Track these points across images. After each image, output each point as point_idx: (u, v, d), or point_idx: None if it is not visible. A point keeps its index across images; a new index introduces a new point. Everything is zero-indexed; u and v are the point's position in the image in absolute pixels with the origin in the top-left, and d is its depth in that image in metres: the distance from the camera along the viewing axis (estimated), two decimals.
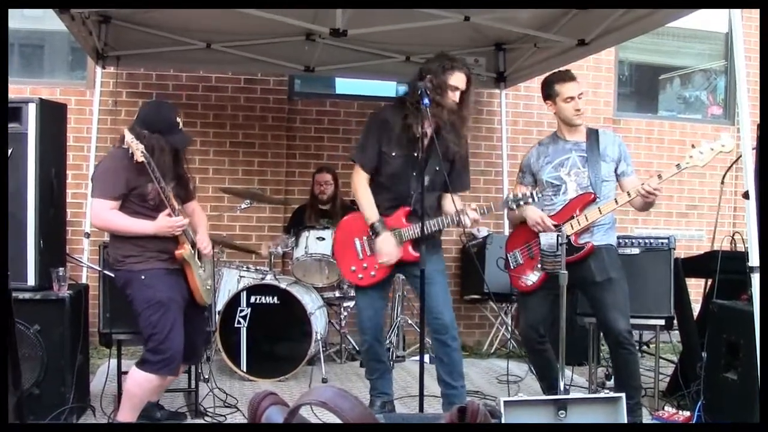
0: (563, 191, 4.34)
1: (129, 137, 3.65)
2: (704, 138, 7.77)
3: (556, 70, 4.58)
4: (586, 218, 4.19)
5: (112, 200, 3.78)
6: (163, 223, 3.81)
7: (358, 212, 4.32)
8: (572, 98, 4.30)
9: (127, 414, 3.92)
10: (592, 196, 4.23)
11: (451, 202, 4.21)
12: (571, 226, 4.21)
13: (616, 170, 4.34)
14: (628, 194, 4.15)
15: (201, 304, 4.10)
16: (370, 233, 4.18)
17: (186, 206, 4.21)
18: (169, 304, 3.83)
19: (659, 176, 4.08)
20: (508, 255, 4.52)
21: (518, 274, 4.44)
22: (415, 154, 4.10)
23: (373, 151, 4.21)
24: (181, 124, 3.96)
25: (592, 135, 4.37)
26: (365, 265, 4.24)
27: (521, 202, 4.15)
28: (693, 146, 4.10)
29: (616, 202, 4.19)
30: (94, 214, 3.84)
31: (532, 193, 4.13)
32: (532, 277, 4.35)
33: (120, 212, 3.81)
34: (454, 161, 4.24)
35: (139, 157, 3.63)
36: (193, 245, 4.02)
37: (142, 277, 3.83)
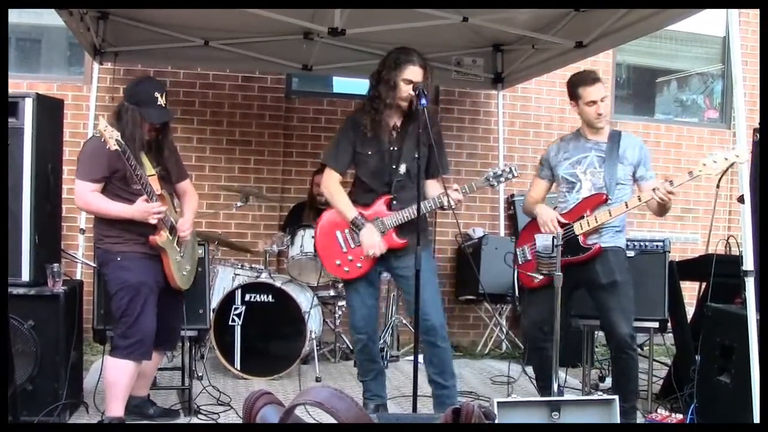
0: (577, 189, 4.31)
1: (102, 125, 3.65)
2: (701, 141, 7.91)
3: (581, 70, 4.54)
4: (596, 219, 4.18)
5: (93, 183, 3.89)
6: (140, 208, 3.86)
7: (329, 209, 4.35)
8: (594, 102, 4.24)
9: (113, 406, 3.96)
10: (604, 197, 4.21)
11: (435, 188, 4.24)
12: (581, 226, 4.21)
13: (634, 174, 4.31)
14: (639, 198, 4.12)
15: (176, 289, 4.14)
16: (353, 229, 4.19)
17: (178, 186, 4.28)
18: (140, 288, 3.90)
19: (670, 182, 4.02)
20: (517, 250, 4.51)
21: (526, 270, 4.42)
22: (391, 148, 4.16)
23: (346, 154, 4.25)
24: (161, 101, 3.94)
25: (615, 136, 4.34)
26: (350, 257, 4.21)
27: (501, 179, 4.19)
28: (708, 154, 4.03)
29: (626, 206, 4.16)
30: (77, 195, 3.95)
31: (511, 168, 4.17)
32: (539, 274, 4.31)
33: (100, 195, 3.91)
34: (431, 146, 4.19)
35: (113, 145, 3.63)
36: (173, 230, 4.04)
37: (118, 258, 3.94)
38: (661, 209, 4.20)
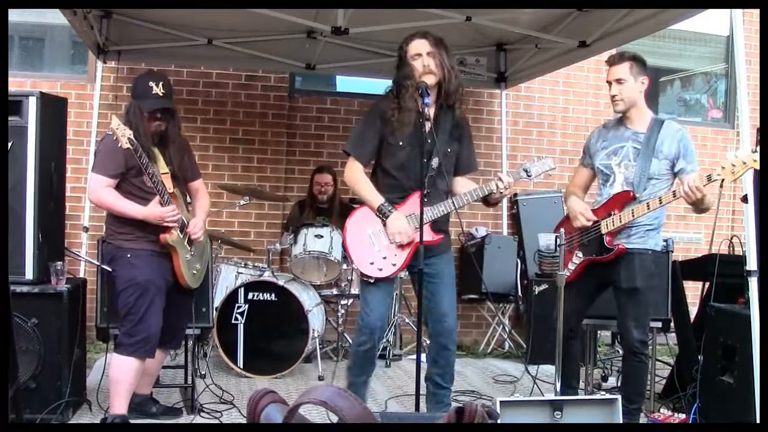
0: (611, 183, 4.17)
1: (114, 123, 3.65)
2: (704, 141, 7.90)
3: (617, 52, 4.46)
4: (620, 219, 4.03)
5: (108, 178, 3.90)
6: (155, 212, 3.87)
7: (361, 206, 4.09)
8: (609, 83, 4.14)
9: (117, 403, 3.97)
10: (631, 194, 4.05)
11: (463, 186, 4.06)
12: (606, 225, 4.07)
13: (673, 168, 4.09)
14: (660, 200, 3.92)
15: (185, 288, 4.15)
16: (379, 216, 3.96)
17: (190, 185, 4.30)
18: (148, 287, 3.91)
19: (708, 177, 3.79)
20: None
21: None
22: (422, 140, 3.92)
23: (371, 144, 4.02)
24: (156, 90, 3.92)
25: (655, 126, 4.12)
26: (384, 255, 3.96)
27: (534, 172, 4.03)
28: (728, 156, 3.77)
29: (647, 207, 3.95)
30: (91, 189, 3.98)
31: (547, 162, 4.03)
32: (568, 270, 4.19)
33: (115, 191, 3.92)
34: (461, 140, 4.09)
35: (125, 144, 3.64)
36: (183, 229, 4.05)
37: (128, 255, 3.95)
38: (695, 208, 3.98)
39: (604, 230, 4.09)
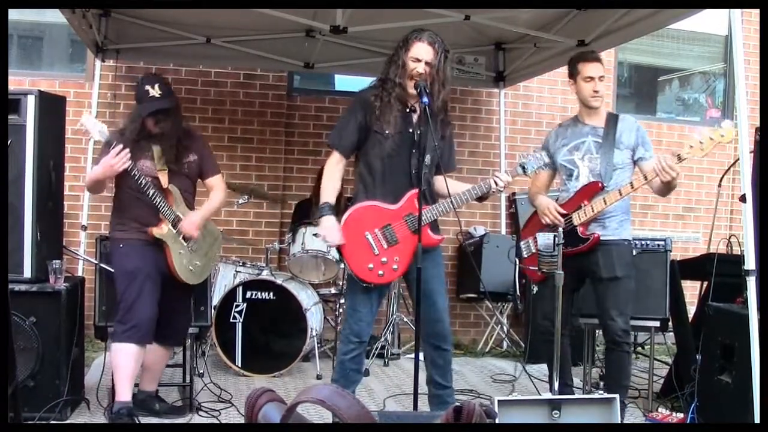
0: (576, 176, 4.29)
1: (83, 118, 3.93)
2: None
3: (582, 50, 4.54)
4: (592, 209, 4.16)
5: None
6: (102, 165, 3.94)
7: (360, 207, 3.92)
8: (591, 78, 4.25)
9: (120, 389, 4.02)
10: (600, 185, 4.18)
11: (443, 185, 3.88)
12: (578, 216, 4.19)
13: (633, 156, 4.27)
14: (632, 185, 4.09)
15: (183, 284, 4.18)
16: (319, 212, 3.92)
17: (206, 182, 4.36)
18: (136, 274, 3.99)
19: (678, 157, 3.98)
20: (521, 244, 4.50)
21: (530, 264, 4.40)
22: (410, 131, 3.85)
23: (353, 135, 3.91)
24: (153, 92, 4.04)
25: (611, 120, 4.30)
26: (384, 259, 3.83)
27: (536, 167, 4.00)
28: (695, 135, 4.03)
29: (620, 193, 4.11)
30: None
31: (541, 155, 4.02)
32: (539, 272, 4.25)
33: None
34: (444, 138, 3.98)
35: (96, 136, 3.90)
36: (176, 224, 4.07)
37: (120, 245, 4.07)
38: (666, 188, 4.13)
39: (576, 222, 4.19)
